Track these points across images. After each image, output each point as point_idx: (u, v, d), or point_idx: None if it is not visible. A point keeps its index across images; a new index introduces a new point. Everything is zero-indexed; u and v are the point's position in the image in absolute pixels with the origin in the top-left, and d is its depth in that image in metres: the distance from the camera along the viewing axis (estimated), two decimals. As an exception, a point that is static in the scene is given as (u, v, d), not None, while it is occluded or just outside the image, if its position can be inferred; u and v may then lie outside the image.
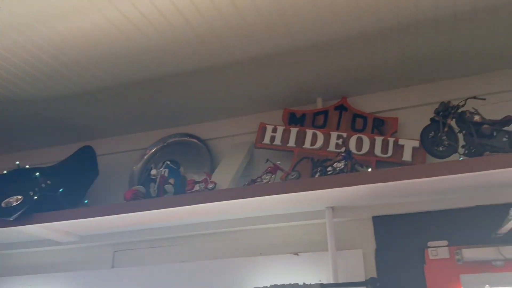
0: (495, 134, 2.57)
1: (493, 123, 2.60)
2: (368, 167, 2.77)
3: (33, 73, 3.08)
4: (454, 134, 2.66)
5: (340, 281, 2.64)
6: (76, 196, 3.33)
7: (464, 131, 2.63)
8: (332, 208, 2.82)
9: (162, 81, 3.20)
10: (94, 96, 3.37)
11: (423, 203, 2.74)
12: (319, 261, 2.79)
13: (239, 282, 2.94)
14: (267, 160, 3.00)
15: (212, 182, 2.93)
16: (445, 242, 2.66)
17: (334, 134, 3.17)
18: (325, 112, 3.30)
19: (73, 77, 3.15)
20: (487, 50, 2.88)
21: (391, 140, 3.05)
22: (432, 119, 2.69)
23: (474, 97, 2.68)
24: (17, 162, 3.29)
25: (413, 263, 2.66)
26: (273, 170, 2.93)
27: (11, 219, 2.94)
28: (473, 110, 2.64)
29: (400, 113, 3.17)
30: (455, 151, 2.63)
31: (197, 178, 3.05)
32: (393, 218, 2.80)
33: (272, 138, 3.24)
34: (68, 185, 3.24)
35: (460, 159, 2.58)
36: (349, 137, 3.13)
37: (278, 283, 2.65)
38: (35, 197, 3.02)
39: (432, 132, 2.66)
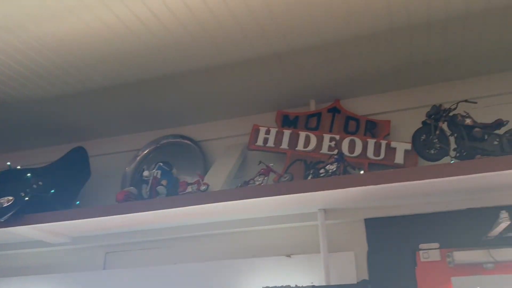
0: (486, 137, 2.60)
1: (484, 126, 2.62)
2: (360, 170, 2.79)
3: (25, 73, 3.07)
4: (445, 137, 2.68)
5: (332, 283, 2.64)
6: (68, 197, 3.32)
7: (455, 134, 2.66)
8: (325, 210, 2.83)
9: (155, 83, 3.19)
10: (86, 97, 3.35)
11: (415, 205, 2.76)
12: (312, 263, 2.80)
13: (231, 284, 2.94)
14: (260, 162, 3.00)
15: (204, 183, 2.92)
16: (436, 245, 2.68)
17: (327, 137, 3.18)
18: (318, 115, 3.31)
19: (65, 78, 3.13)
20: (479, 54, 2.91)
21: (383, 143, 3.07)
22: (424, 122, 2.71)
23: (466, 101, 2.71)
24: (9, 163, 3.27)
25: (404, 265, 2.68)
26: (266, 172, 2.93)
27: (2, 220, 2.92)
28: (464, 114, 2.67)
29: (392, 116, 3.19)
30: (447, 154, 2.65)
31: (189, 179, 3.04)
32: (385, 221, 2.82)
33: (265, 140, 3.24)
34: (60, 186, 3.22)
35: (452, 162, 2.60)
36: (341, 139, 3.14)
37: (271, 285, 2.64)
38: (26, 198, 3.00)
39: (424, 135, 2.68)
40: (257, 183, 2.86)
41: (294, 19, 2.61)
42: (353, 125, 3.22)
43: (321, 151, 3.13)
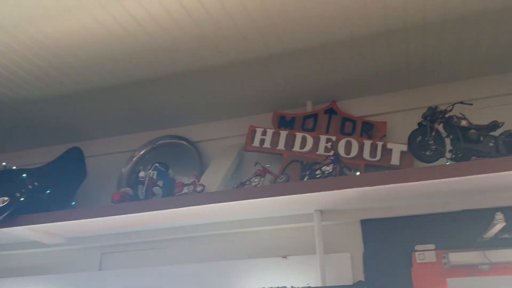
0: (481, 139, 2.60)
1: (480, 128, 2.63)
2: (356, 171, 2.79)
3: (20, 73, 3.06)
4: (441, 139, 2.68)
5: (328, 284, 2.64)
6: (64, 198, 3.31)
7: (451, 136, 2.66)
8: (321, 212, 2.83)
9: (152, 83, 3.19)
10: (83, 97, 3.34)
11: (410, 207, 2.76)
12: (307, 264, 2.79)
13: (227, 285, 2.93)
14: (256, 163, 3.00)
15: (200, 184, 2.92)
16: (432, 246, 2.68)
17: (323, 138, 3.18)
18: (314, 116, 3.32)
19: (62, 79, 3.13)
20: (475, 56, 2.92)
21: (379, 144, 3.07)
22: (419, 124, 2.72)
23: (462, 102, 2.71)
24: (4, 163, 3.26)
25: (400, 266, 2.68)
26: (262, 173, 2.93)
27: (-3, 220, 2.91)
28: (460, 115, 2.67)
29: (388, 117, 3.20)
30: (442, 155, 2.66)
31: (186, 180, 3.04)
32: (381, 222, 2.82)
33: (262, 141, 3.24)
34: (56, 187, 3.22)
35: (447, 163, 2.61)
36: (338, 140, 3.15)
37: (267, 286, 2.65)
38: (22, 199, 2.99)
39: (420, 137, 2.69)
40: (254, 184, 2.87)
41: (291, 20, 2.61)
42: (350, 126, 3.23)
43: (317, 152, 3.14)
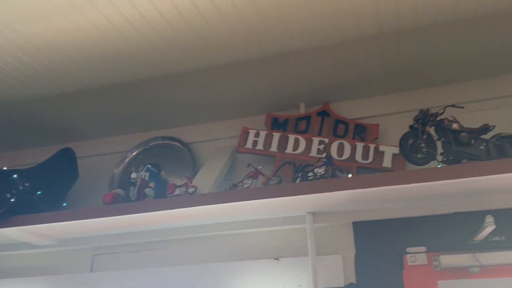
0: (472, 142, 2.62)
1: (471, 131, 2.65)
2: (348, 173, 2.80)
3: (12, 73, 3.03)
4: (432, 142, 2.70)
5: (320, 286, 2.65)
6: (55, 199, 3.28)
7: (442, 139, 2.67)
8: (313, 213, 2.83)
9: (144, 84, 3.18)
10: (74, 97, 3.32)
11: (402, 209, 2.77)
12: (299, 266, 2.80)
13: (219, 287, 2.92)
14: (249, 165, 2.99)
15: (193, 186, 2.92)
16: (423, 248, 2.69)
17: (316, 140, 3.19)
18: (307, 118, 3.32)
19: (53, 79, 3.11)
20: (466, 59, 2.93)
21: (371, 147, 3.08)
22: (411, 127, 2.73)
23: (453, 105, 2.73)
24: (-5, 164, 3.24)
25: (392, 269, 2.69)
26: (255, 175, 2.93)
27: (-13, 221, 2.89)
28: (451, 118, 2.68)
29: (381, 120, 3.21)
30: (434, 158, 2.67)
31: (178, 182, 3.03)
32: (373, 224, 2.83)
33: (255, 143, 3.24)
34: (47, 188, 3.20)
35: (438, 166, 2.62)
36: (330, 142, 3.15)
37: (258, 288, 2.65)
38: (12, 199, 2.98)
39: (411, 139, 2.70)
40: (246, 186, 2.86)
41: (284, 22, 2.61)
42: (342, 128, 3.23)
43: (310, 154, 3.14)
